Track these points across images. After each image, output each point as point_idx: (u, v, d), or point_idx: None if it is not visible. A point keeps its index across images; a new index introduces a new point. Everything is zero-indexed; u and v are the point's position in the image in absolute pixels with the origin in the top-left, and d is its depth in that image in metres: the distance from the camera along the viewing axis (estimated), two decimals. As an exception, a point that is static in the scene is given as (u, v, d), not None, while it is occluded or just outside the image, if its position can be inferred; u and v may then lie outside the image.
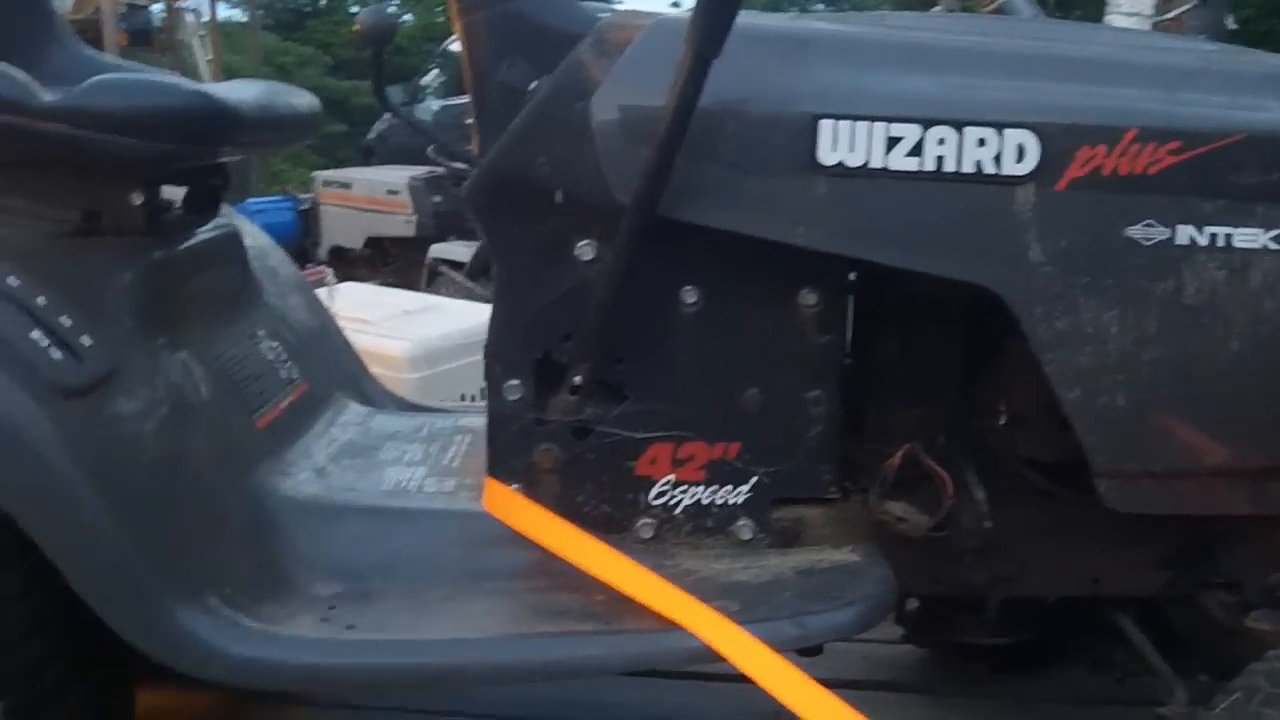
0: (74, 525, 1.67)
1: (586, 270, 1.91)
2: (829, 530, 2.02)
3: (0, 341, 1.71)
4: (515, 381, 1.97)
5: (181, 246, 2.13)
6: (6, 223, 1.86)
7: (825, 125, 1.74)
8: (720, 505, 2.01)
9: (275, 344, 2.40)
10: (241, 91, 2.07)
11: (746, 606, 1.83)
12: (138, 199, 1.96)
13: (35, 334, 1.74)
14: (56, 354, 1.75)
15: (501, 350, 1.97)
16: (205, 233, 2.25)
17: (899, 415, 2.06)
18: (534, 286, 1.94)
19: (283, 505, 2.00)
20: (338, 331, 2.79)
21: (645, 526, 2.01)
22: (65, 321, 1.79)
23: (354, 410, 2.53)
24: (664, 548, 2.00)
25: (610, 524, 2.00)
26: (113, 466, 1.74)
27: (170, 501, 1.81)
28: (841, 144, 1.74)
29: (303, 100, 2.29)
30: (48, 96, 1.78)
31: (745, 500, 2.01)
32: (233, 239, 2.35)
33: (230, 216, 2.41)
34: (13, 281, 1.78)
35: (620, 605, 1.83)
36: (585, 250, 1.91)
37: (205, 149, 2.02)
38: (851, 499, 2.04)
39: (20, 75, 1.77)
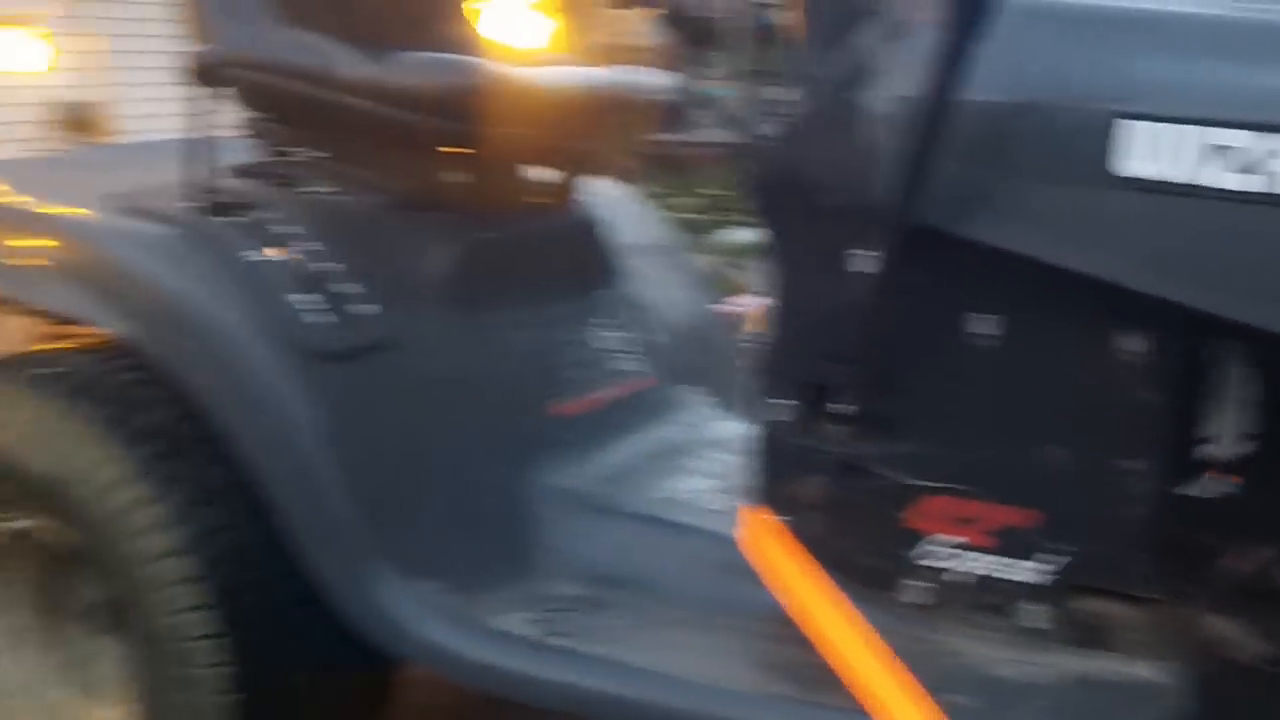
0: (303, 480, 1.76)
1: (865, 286, 1.70)
2: (1132, 635, 1.64)
3: (277, 302, 1.83)
4: (784, 402, 1.80)
5: (509, 227, 2.17)
6: (322, 190, 2.00)
7: (1126, 127, 1.40)
8: (1007, 582, 1.71)
9: (622, 334, 2.38)
10: (563, 74, 2.07)
11: (991, 708, 1.55)
12: (455, 176, 2.02)
13: (315, 297, 1.85)
14: (330, 318, 1.85)
15: (772, 365, 1.81)
16: (546, 216, 2.27)
17: (1255, 507, 1.62)
18: (809, 297, 1.75)
19: (542, 497, 1.98)
20: (728, 335, 2.72)
21: (912, 590, 1.75)
22: (351, 289, 1.89)
23: (700, 413, 2.45)
24: (932, 618, 1.74)
25: (871, 579, 1.76)
26: (357, 432, 1.81)
27: (413, 474, 1.85)
28: (1145, 151, 1.39)
29: (644, 83, 2.23)
30: (353, 70, 1.88)
31: (1039, 581, 1.69)
32: (582, 224, 2.36)
33: (593, 202, 2.42)
34: (312, 247, 1.91)
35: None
36: (864, 263, 1.70)
37: (507, 129, 2.04)
38: (1169, 602, 1.64)
39: (328, 47, 1.89)
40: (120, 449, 1.77)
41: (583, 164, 2.32)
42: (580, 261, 2.41)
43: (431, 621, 1.73)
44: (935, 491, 1.71)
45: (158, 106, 7.52)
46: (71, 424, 1.80)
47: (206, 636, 1.75)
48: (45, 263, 1.93)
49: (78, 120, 7.59)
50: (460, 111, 1.91)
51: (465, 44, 2.36)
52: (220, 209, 1.89)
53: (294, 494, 1.76)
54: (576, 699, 1.70)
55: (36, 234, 1.94)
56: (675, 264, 2.69)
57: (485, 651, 1.71)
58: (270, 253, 1.85)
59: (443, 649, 1.71)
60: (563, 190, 2.34)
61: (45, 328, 2.06)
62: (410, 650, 1.74)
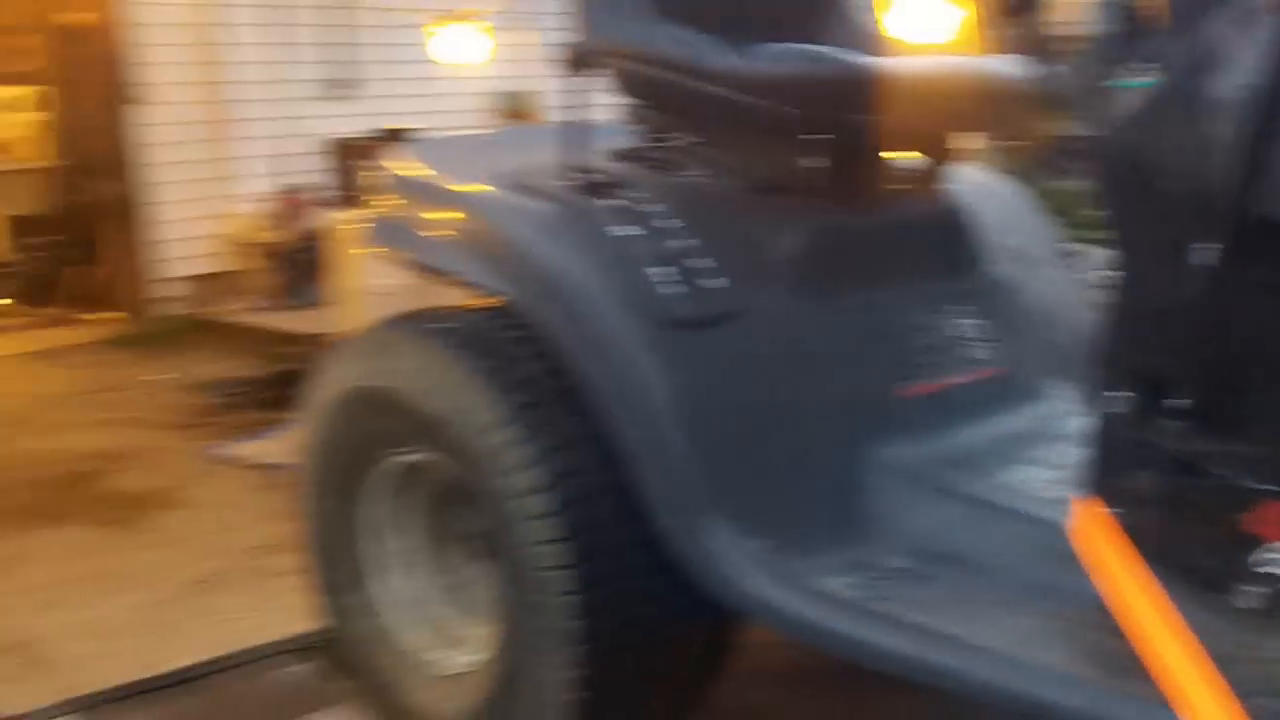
0: (652, 434, 1.93)
1: (1205, 278, 1.67)
2: None
3: (637, 274, 2.02)
4: (1119, 393, 1.79)
5: (868, 212, 2.25)
6: (687, 173, 2.17)
7: None
8: (1350, 596, 1.63)
9: (979, 322, 2.41)
10: (930, 63, 2.12)
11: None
12: (814, 161, 2.12)
13: (669, 270, 2.03)
14: (681, 289, 2.01)
15: (1109, 355, 1.80)
16: (908, 202, 2.33)
17: None
18: (1150, 287, 1.74)
19: (879, 471, 2.05)
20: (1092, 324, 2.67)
21: (1247, 595, 1.71)
22: (705, 263, 2.05)
23: (1052, 404, 2.43)
24: (1269, 624, 1.69)
25: (1204, 581, 1.73)
26: (706, 394, 1.96)
27: (753, 438, 1.98)
28: None
29: (1003, 73, 2.24)
30: (721, 61, 2.03)
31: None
32: (947, 211, 2.40)
33: (961, 189, 2.45)
34: (671, 224, 2.08)
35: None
36: (1206, 255, 1.67)
37: (864, 118, 2.11)
38: None
39: (698, 39, 2.04)
40: (497, 396, 2.01)
41: (949, 151, 2.36)
42: (942, 248, 2.45)
43: (761, 576, 1.86)
44: (1277, 497, 1.65)
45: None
46: (458, 372, 2.06)
47: (560, 567, 1.96)
48: (445, 231, 2.21)
49: (513, 108, 8.29)
50: (821, 100, 2.01)
51: (836, 35, 2.46)
52: (593, 189, 2.10)
53: (643, 446, 1.94)
54: (893, 660, 1.78)
55: (440, 206, 2.23)
56: (1045, 253, 2.67)
57: (809, 609, 1.82)
58: (634, 229, 2.04)
59: (769, 603, 1.84)
60: (927, 177, 2.39)
61: (442, 287, 2.36)
62: (738, 601, 1.88)
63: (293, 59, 7.52)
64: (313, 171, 7.15)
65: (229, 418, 5.76)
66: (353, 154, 5.96)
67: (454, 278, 2.21)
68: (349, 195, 5.95)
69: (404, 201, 2.32)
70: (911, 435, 2.17)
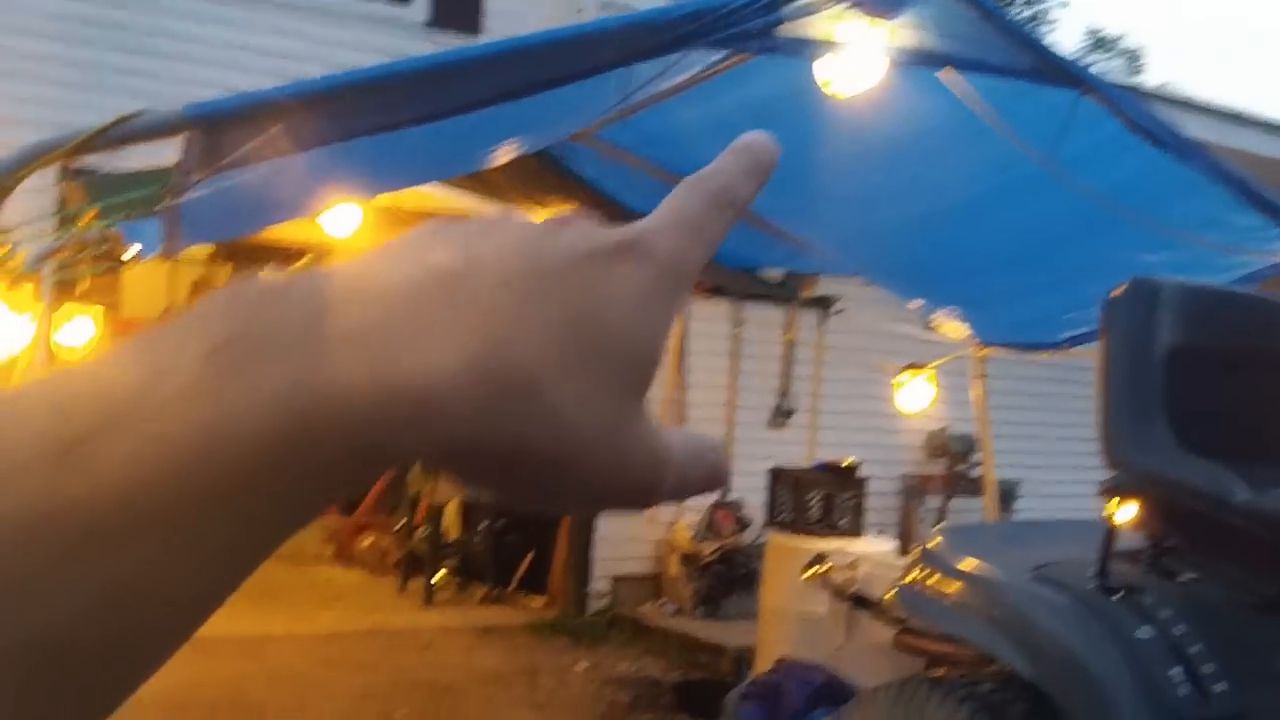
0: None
1: None
2: None
3: (1154, 671, 2.35)
4: None
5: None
6: (1198, 583, 2.50)
7: None
8: None
9: None
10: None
11: None
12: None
13: (1180, 669, 2.35)
14: (1191, 689, 2.33)
15: None
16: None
17: None
18: None
19: None
20: None
21: None
22: (1209, 667, 2.36)
23: None
24: None
25: None
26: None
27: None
28: None
29: None
30: (1241, 497, 2.39)
31: None
32: None
33: None
34: (1180, 628, 2.41)
35: None
36: None
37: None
38: None
39: (1217, 472, 2.42)
40: (1010, 762, 2.37)
41: None
42: None
43: None
44: None
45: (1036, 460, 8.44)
46: (976, 733, 2.44)
47: None
48: (969, 607, 2.64)
49: (947, 448, 8.78)
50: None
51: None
52: (1111, 588, 2.47)
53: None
54: None
55: (966, 585, 2.66)
56: None
57: None
58: (1150, 630, 2.39)
59: None
60: None
61: (953, 654, 2.76)
62: None
63: (742, 387, 8.40)
64: (749, 491, 7.84)
65: (642, 716, 6.26)
66: (787, 481, 6.55)
67: (971, 647, 2.61)
68: (782, 521, 6.51)
69: (930, 574, 2.77)
70: None
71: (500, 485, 0.36)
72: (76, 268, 5.52)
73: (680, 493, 0.39)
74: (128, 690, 0.33)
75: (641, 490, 0.37)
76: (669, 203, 0.39)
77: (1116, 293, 2.63)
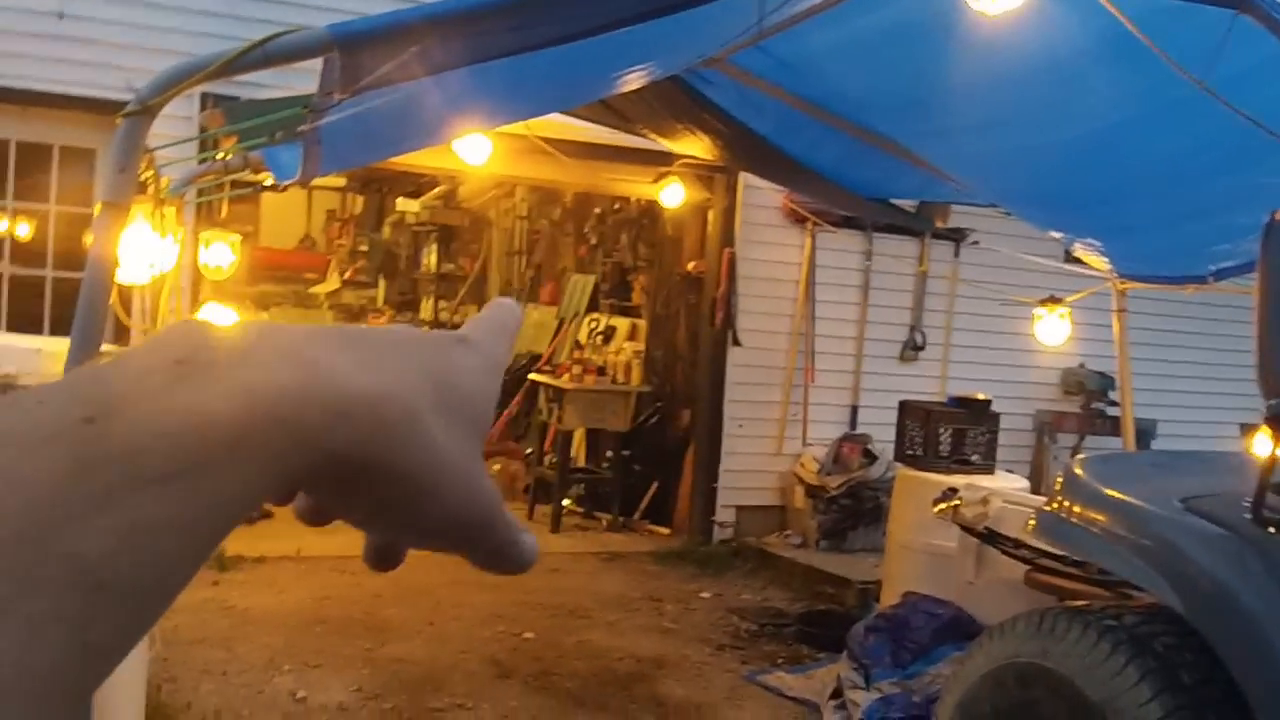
0: None
1: None
2: None
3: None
4: None
5: None
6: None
7: None
8: None
9: None
10: None
11: None
12: None
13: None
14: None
15: None
16: None
17: None
18: None
19: None
20: None
21: None
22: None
23: None
24: None
25: None
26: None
27: None
28: None
29: None
30: None
31: None
32: None
33: None
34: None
35: None
36: None
37: None
38: None
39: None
40: (1155, 693, 2.31)
41: None
42: None
43: None
44: None
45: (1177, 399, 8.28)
46: (1119, 666, 2.38)
47: None
48: (1112, 536, 2.57)
49: (1082, 387, 8.58)
50: None
51: None
52: (1268, 521, 2.38)
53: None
54: None
55: (1112, 514, 2.59)
56: None
57: None
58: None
59: None
60: None
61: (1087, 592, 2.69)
62: None
63: (871, 320, 8.29)
64: (877, 425, 7.77)
65: (766, 645, 6.27)
66: (917, 415, 6.46)
67: (1120, 578, 2.54)
68: (912, 455, 6.43)
69: (1072, 503, 2.70)
70: None
71: (377, 505, 0.45)
72: (217, 193, 5.65)
73: (507, 538, 0.48)
74: (154, 617, 0.39)
75: (483, 524, 0.47)
76: (485, 315, 0.53)
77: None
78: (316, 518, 0.47)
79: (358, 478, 0.43)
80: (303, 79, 3.69)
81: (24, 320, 6.49)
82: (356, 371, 0.43)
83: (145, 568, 0.38)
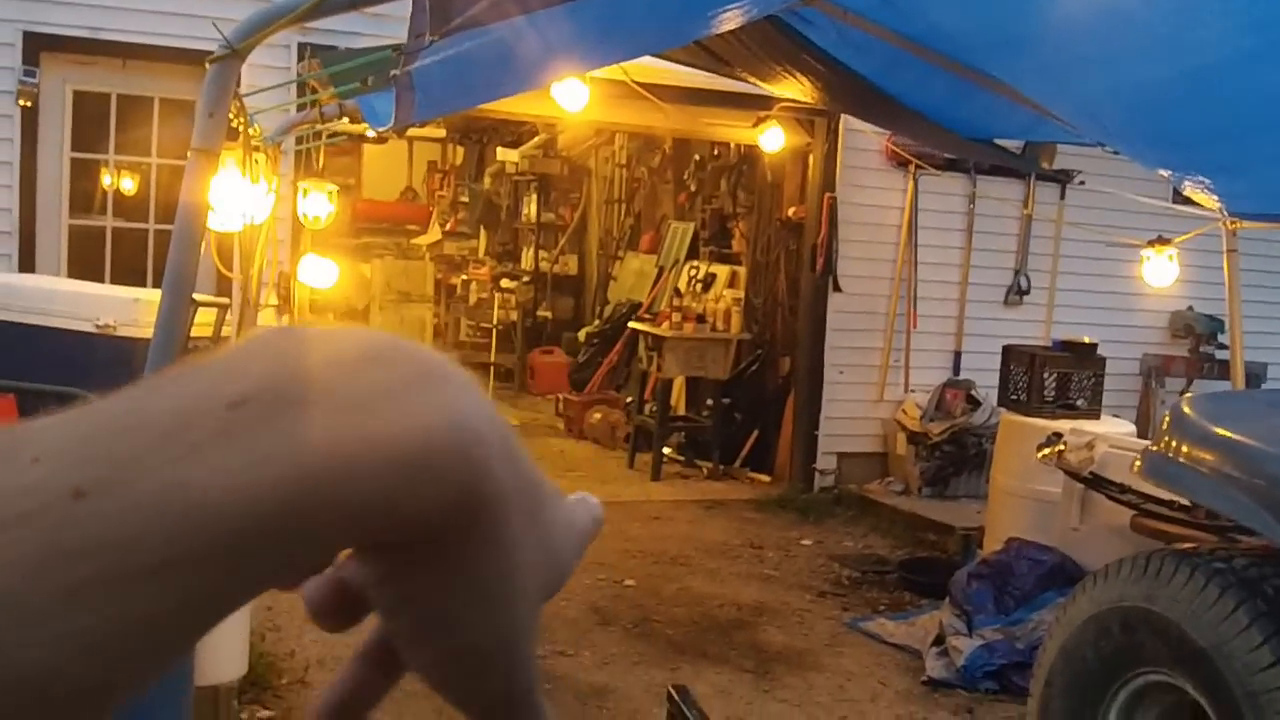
0: None
1: None
2: None
3: None
4: None
5: None
6: None
7: None
8: None
9: None
10: None
11: None
12: None
13: None
14: None
15: None
16: None
17: None
18: None
19: None
20: None
21: None
22: None
23: None
24: None
25: None
26: None
27: None
28: None
29: None
30: None
31: None
32: None
33: None
34: None
35: None
36: None
37: None
38: None
39: None
40: (1265, 639, 2.22)
41: None
42: None
43: None
44: None
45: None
46: (1228, 610, 2.29)
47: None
48: (1225, 477, 2.47)
49: (1190, 330, 8.34)
50: None
51: None
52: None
53: None
54: None
55: (1222, 453, 2.49)
56: None
57: None
58: None
59: None
60: None
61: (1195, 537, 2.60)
62: None
63: (975, 264, 8.13)
64: (980, 371, 7.62)
65: (867, 592, 6.22)
66: (1022, 360, 6.32)
67: (1223, 520, 2.45)
68: (1016, 400, 6.30)
69: (1181, 442, 2.61)
70: None
71: (422, 598, 0.37)
72: (315, 140, 5.69)
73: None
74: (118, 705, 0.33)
75: (508, 695, 0.40)
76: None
77: None
78: (342, 614, 0.39)
79: (423, 556, 0.36)
80: (399, 29, 3.69)
81: (128, 273, 6.60)
82: (458, 421, 0.35)
83: (104, 672, 0.31)
